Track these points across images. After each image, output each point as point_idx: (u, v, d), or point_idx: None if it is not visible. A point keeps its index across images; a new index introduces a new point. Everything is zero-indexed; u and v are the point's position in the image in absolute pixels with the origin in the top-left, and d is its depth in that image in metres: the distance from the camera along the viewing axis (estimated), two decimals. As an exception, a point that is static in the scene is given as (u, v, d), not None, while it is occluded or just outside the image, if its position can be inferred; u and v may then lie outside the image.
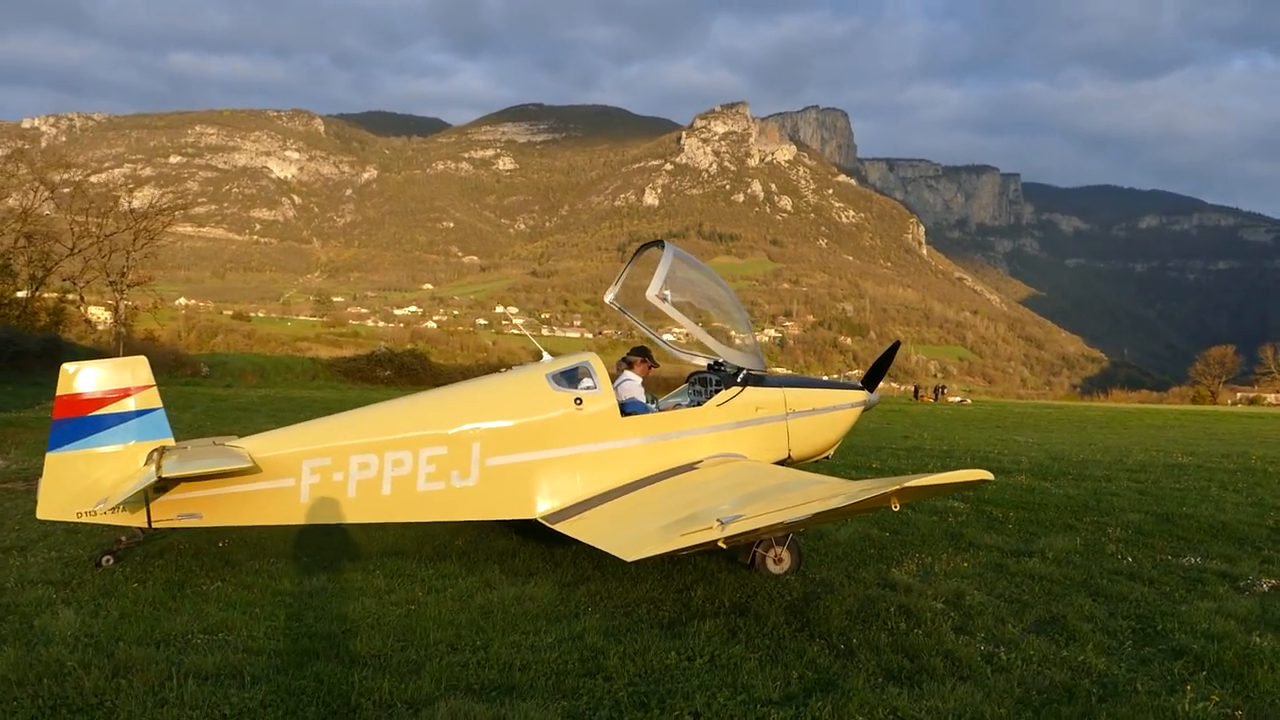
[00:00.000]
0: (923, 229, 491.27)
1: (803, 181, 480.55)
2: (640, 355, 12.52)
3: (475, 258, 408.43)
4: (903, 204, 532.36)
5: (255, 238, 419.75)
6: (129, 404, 10.28)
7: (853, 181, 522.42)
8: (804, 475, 10.35)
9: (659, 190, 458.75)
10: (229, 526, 10.78)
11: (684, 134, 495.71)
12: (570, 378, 11.34)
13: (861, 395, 12.76)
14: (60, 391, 10.07)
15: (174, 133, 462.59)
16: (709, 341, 11.99)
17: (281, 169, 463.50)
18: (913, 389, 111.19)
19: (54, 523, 10.67)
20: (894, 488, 7.45)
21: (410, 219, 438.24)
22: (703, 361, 12.54)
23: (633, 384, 12.12)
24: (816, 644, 8.27)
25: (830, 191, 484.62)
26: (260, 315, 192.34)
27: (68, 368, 10.23)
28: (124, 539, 10.58)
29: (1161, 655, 8.38)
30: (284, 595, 9.30)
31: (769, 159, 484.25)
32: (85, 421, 10.12)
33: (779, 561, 10.60)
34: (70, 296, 62.72)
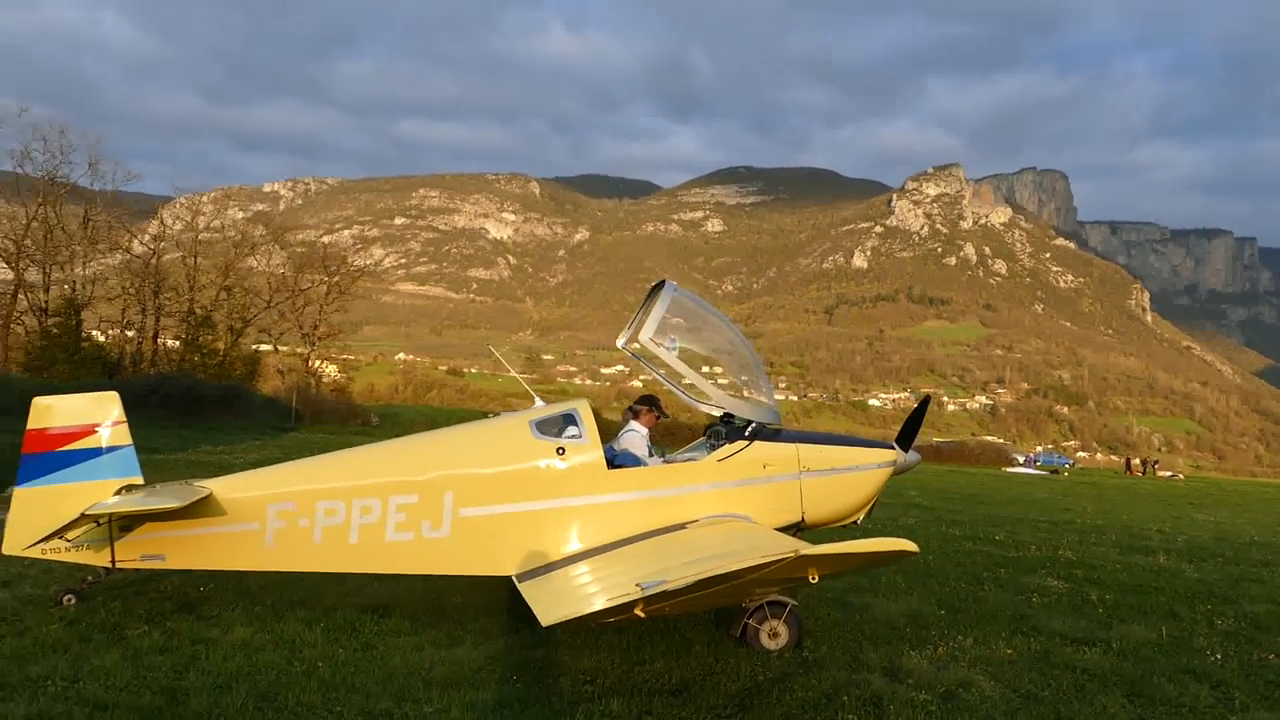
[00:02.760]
0: (1147, 295, 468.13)
1: (1018, 244, 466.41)
2: (647, 404, 11.65)
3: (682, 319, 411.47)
4: (1126, 269, 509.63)
5: (471, 296, 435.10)
6: (98, 440, 10.08)
7: (1071, 245, 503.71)
8: (764, 537, 9.22)
9: (868, 252, 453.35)
10: (205, 570, 10.51)
11: (895, 196, 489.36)
12: (556, 425, 10.55)
13: (891, 455, 11.46)
14: (30, 426, 9.93)
15: (399, 196, 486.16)
16: (710, 390, 10.96)
17: (498, 230, 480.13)
18: (1124, 461, 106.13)
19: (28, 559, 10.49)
20: (789, 555, 6.43)
21: (620, 279, 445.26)
22: (717, 412, 11.49)
23: (635, 435, 11.25)
24: (734, 736, 7.22)
25: (1047, 255, 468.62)
26: (473, 371, 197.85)
27: (39, 401, 10.08)
28: (89, 578, 10.32)
29: (1154, 775, 6.98)
30: (199, 643, 8.87)
31: (983, 221, 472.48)
32: (53, 456, 9.95)
33: (774, 636, 9.48)
34: (264, 347, 65.68)
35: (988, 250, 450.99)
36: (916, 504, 29.13)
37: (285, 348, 68.61)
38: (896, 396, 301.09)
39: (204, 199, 74.33)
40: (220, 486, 10.05)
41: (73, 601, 10.10)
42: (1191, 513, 35.43)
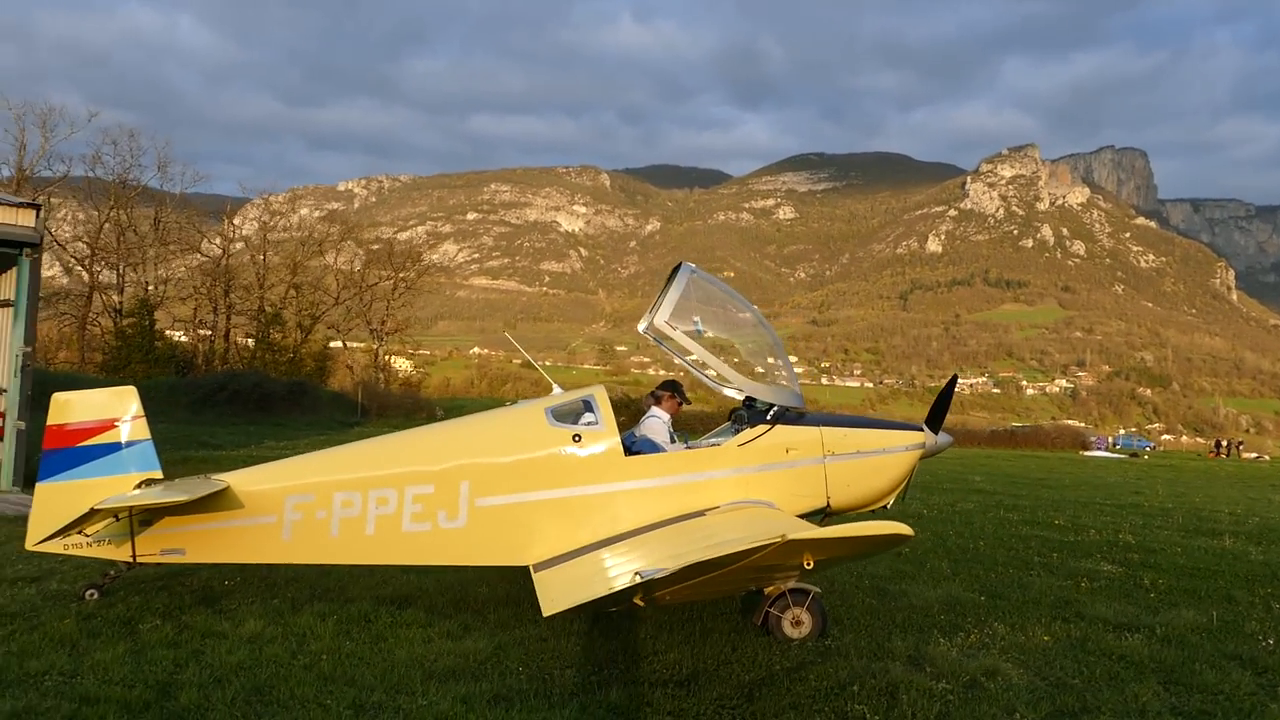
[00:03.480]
0: (1232, 273, 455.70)
1: (1097, 225, 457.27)
2: (669, 390, 11.38)
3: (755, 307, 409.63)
4: (1209, 247, 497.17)
5: (544, 289, 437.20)
6: (118, 435, 10.11)
7: (1152, 224, 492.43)
8: (770, 523, 8.93)
9: (942, 236, 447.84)
10: (229, 564, 10.55)
11: (969, 179, 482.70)
12: (572, 412, 10.36)
13: (919, 437, 11.08)
14: (50, 421, 10.00)
15: (471, 191, 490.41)
16: (730, 373, 10.68)
17: (569, 223, 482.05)
18: (1214, 443, 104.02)
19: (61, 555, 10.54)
20: (776, 540, 6.17)
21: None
22: (739, 396, 11.19)
23: (656, 421, 11.02)
24: (731, 730, 6.98)
25: (1127, 235, 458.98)
26: (547, 364, 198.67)
27: (58, 397, 10.14)
28: (111, 573, 10.35)
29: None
30: (209, 637, 8.84)
31: (1060, 202, 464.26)
32: (74, 452, 10.00)
33: (798, 624, 9.19)
34: (334, 344, 66.44)
35: (1065, 231, 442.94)
36: (979, 489, 28.61)
37: (359, 344, 69.37)
38: (975, 381, 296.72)
39: (279, 199, 75.52)
40: (238, 479, 10.03)
41: (95, 596, 10.14)
42: (1271, 494, 34.34)
